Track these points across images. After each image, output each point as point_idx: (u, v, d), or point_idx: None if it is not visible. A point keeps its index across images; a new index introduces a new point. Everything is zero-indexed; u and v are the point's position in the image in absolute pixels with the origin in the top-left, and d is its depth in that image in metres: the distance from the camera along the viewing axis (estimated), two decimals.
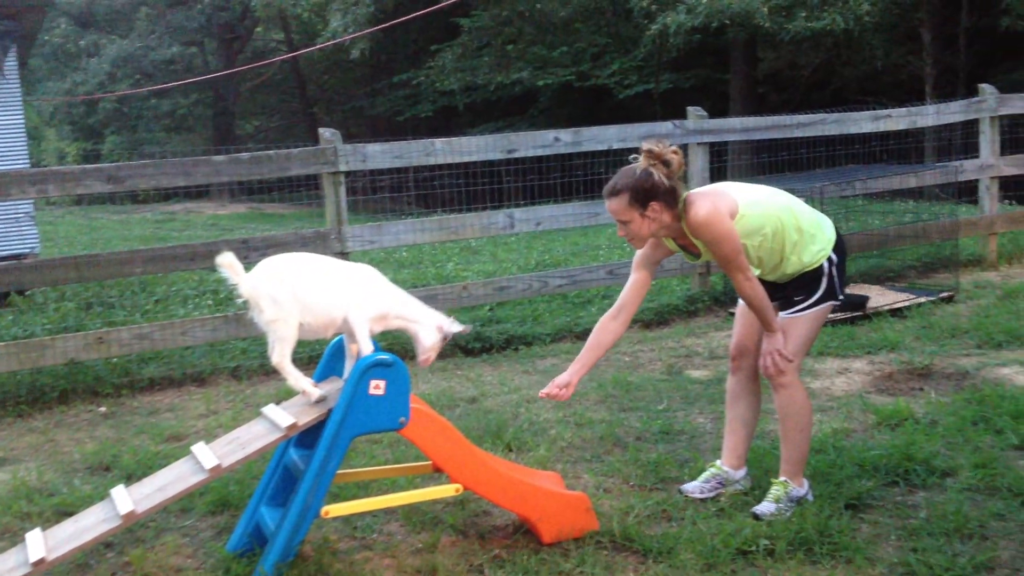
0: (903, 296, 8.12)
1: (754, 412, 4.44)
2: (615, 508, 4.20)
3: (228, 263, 3.68)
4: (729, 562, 3.69)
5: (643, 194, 3.91)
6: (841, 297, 4.19)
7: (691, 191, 4.07)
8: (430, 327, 3.90)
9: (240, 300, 3.71)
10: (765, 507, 4.11)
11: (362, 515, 4.22)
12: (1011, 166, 9.95)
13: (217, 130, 35.06)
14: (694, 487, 4.36)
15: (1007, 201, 11.23)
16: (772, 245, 4.06)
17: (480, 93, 25.24)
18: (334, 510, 3.74)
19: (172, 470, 3.76)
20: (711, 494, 4.33)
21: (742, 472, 4.42)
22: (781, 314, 4.16)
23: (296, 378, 3.77)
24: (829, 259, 4.12)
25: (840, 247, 4.18)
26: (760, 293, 4.03)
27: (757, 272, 4.16)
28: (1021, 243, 10.24)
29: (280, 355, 3.71)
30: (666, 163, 3.92)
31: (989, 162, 9.69)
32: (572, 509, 3.95)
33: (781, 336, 4.10)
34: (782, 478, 4.19)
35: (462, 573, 3.72)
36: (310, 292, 3.72)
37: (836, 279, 4.14)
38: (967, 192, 10.40)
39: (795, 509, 4.08)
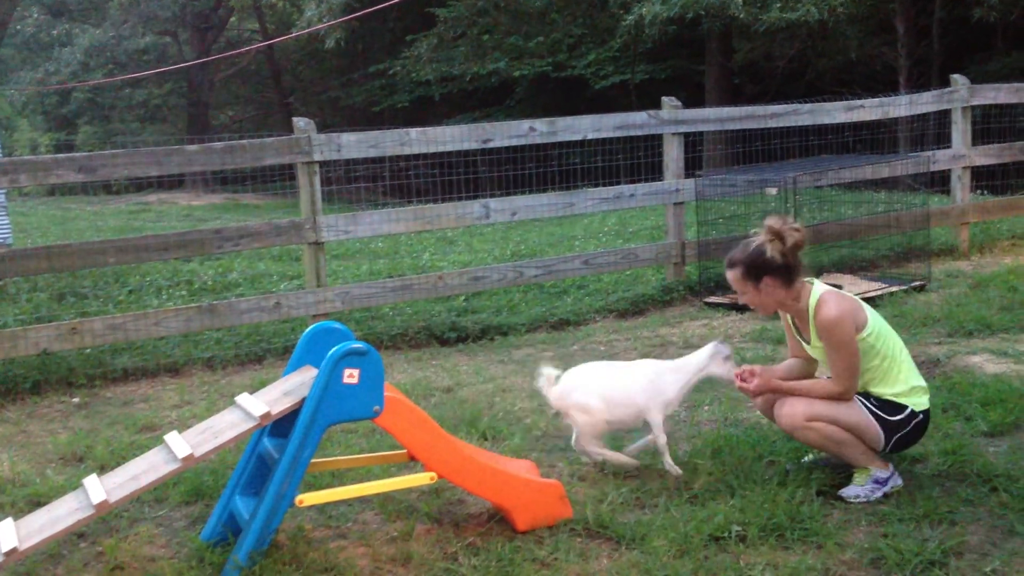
0: (875, 285, 8.18)
1: None
2: (589, 496, 4.22)
3: (549, 375, 4.41)
4: (702, 548, 3.71)
5: (756, 269, 4.10)
6: (888, 449, 4.18)
7: (828, 289, 4.14)
8: (714, 368, 4.41)
9: (551, 412, 4.51)
10: (849, 490, 4.14)
11: (337, 504, 4.23)
12: (983, 156, 10.04)
13: (191, 120, 34.80)
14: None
15: (979, 191, 11.32)
16: (879, 373, 4.13)
17: (456, 83, 25.17)
18: (308, 499, 3.74)
19: (145, 459, 3.76)
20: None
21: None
22: None
23: (604, 455, 4.48)
24: (912, 410, 4.12)
25: (924, 422, 4.19)
26: (831, 403, 4.10)
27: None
28: (992, 233, 10.34)
29: (586, 443, 4.46)
30: (782, 239, 4.03)
31: (961, 152, 9.76)
32: (546, 497, 3.97)
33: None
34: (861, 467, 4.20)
35: (436, 561, 3.73)
36: (614, 395, 4.37)
37: (905, 430, 4.13)
38: (939, 182, 10.48)
39: (878, 492, 4.11)
